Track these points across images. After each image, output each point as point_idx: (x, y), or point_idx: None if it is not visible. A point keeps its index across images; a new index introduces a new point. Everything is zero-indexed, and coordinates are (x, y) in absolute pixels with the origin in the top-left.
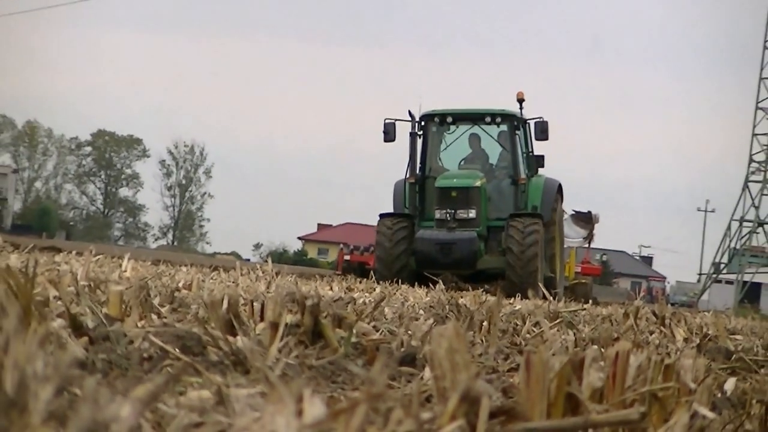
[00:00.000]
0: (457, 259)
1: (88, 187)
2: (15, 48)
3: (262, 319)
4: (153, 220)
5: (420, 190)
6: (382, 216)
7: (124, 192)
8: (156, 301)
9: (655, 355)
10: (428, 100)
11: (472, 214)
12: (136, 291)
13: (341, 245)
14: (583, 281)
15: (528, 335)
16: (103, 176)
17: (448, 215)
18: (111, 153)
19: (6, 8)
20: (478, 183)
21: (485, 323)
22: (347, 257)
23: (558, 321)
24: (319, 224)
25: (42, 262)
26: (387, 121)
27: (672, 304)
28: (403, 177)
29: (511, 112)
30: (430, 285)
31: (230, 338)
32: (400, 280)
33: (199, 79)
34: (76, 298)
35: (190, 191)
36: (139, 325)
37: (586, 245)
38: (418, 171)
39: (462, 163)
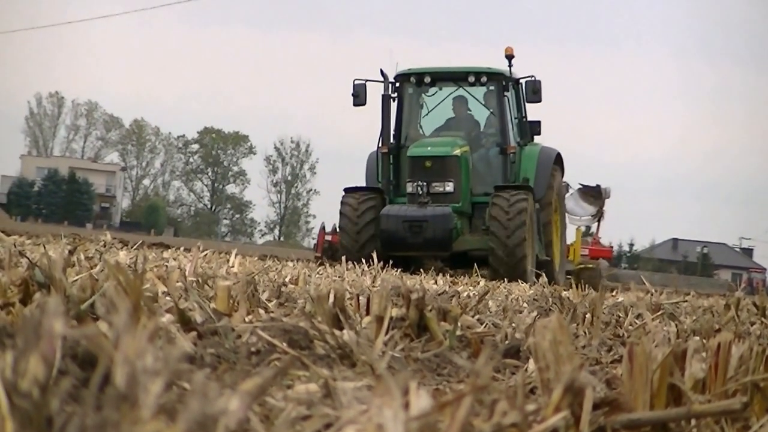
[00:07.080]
0: (429, 239)
1: (196, 184)
2: (122, 48)
3: (367, 312)
4: (259, 216)
5: (394, 162)
6: (346, 191)
7: (231, 189)
8: (263, 296)
9: (756, 345)
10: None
11: (449, 187)
12: (243, 286)
13: (322, 224)
14: (590, 266)
15: (630, 327)
16: (210, 173)
17: (420, 189)
18: (218, 150)
19: (114, 9)
20: (456, 151)
21: (588, 315)
22: (329, 238)
23: (660, 313)
24: None
25: (150, 259)
26: (356, 82)
27: None
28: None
29: (499, 70)
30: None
31: (336, 332)
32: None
33: (305, 76)
34: (184, 293)
35: (296, 187)
36: (247, 319)
37: (595, 224)
38: (392, 139)
39: (439, 129)
